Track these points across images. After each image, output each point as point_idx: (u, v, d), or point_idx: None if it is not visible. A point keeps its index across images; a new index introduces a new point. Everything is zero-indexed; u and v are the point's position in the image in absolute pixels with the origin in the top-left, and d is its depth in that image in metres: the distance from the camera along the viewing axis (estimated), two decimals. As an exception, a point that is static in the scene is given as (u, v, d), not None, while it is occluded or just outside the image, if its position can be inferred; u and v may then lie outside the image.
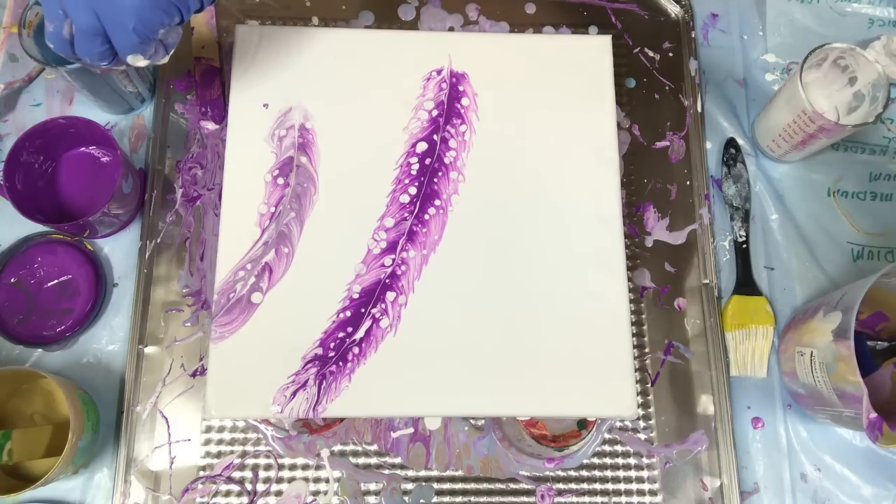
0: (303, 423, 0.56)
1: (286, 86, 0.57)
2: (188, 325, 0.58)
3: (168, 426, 0.56)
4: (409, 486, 0.55)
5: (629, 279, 0.59)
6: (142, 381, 0.56)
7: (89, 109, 0.62)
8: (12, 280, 0.57)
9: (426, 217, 0.55)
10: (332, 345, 0.52)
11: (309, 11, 0.66)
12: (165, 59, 0.46)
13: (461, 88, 0.58)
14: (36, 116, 0.62)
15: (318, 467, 0.55)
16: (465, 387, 0.52)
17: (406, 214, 0.55)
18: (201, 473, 0.55)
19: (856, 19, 0.69)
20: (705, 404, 0.58)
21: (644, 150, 0.65)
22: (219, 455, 0.55)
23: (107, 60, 0.44)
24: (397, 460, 0.56)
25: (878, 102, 0.57)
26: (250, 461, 0.55)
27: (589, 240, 0.55)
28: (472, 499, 0.55)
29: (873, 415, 0.47)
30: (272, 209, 0.54)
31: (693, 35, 0.68)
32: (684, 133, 0.65)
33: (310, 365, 0.51)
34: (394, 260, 0.54)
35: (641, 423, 0.58)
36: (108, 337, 0.58)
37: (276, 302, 0.53)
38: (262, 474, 0.55)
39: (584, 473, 0.56)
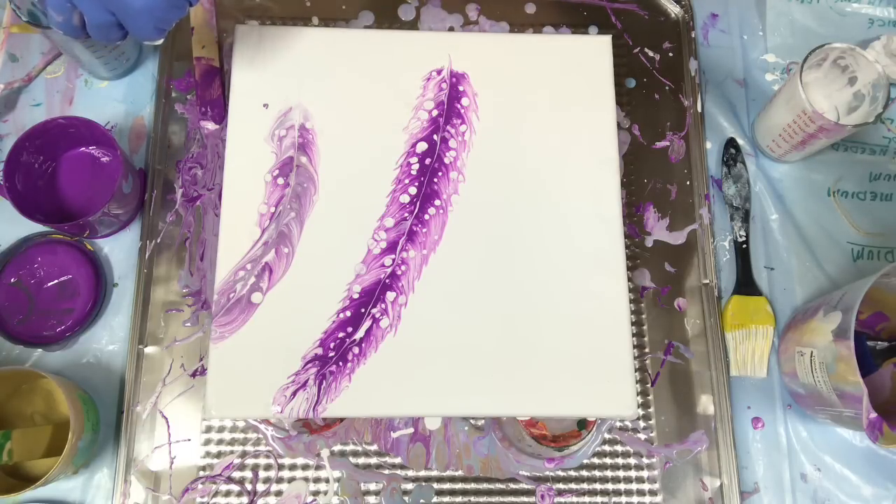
0: (303, 423, 0.56)
1: (286, 86, 0.57)
2: (188, 325, 0.58)
3: (168, 426, 0.56)
4: (409, 486, 0.55)
5: (629, 279, 0.59)
6: (142, 381, 0.56)
7: (91, 104, 0.62)
8: (12, 280, 0.57)
9: (426, 217, 0.55)
10: (332, 345, 0.52)
11: (309, 11, 0.66)
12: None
13: (461, 88, 0.58)
14: (36, 116, 0.62)
15: (318, 467, 0.55)
16: (465, 387, 0.52)
17: (406, 214, 0.55)
18: (201, 473, 0.55)
19: (856, 19, 0.69)
20: (705, 404, 0.58)
21: (644, 150, 0.65)
22: (219, 455, 0.55)
23: (122, 39, 0.46)
24: (397, 460, 0.56)
25: (878, 102, 0.57)
26: (250, 461, 0.55)
27: (589, 240, 0.55)
28: (472, 499, 0.55)
29: (873, 415, 0.47)
30: (272, 209, 0.54)
31: (693, 35, 0.67)
32: (684, 133, 0.65)
33: (310, 365, 0.51)
34: (394, 260, 0.54)
35: (641, 423, 0.58)
36: (108, 337, 0.58)
37: (276, 302, 0.53)
38: (262, 474, 0.55)
39: (584, 473, 0.56)
